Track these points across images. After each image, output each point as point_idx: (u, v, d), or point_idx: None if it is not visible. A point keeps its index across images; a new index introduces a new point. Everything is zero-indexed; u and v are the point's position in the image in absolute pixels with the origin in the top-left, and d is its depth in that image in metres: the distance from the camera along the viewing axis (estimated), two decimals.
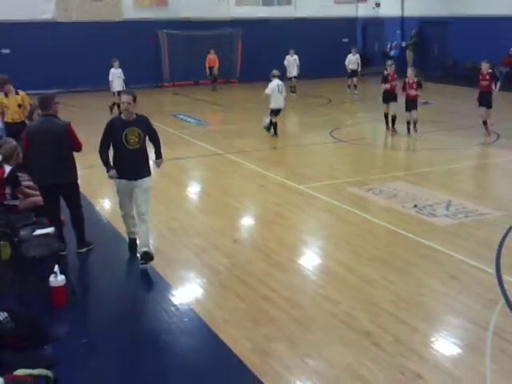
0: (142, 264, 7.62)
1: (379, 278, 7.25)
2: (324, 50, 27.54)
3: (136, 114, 7.50)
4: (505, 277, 7.10)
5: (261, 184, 11.65)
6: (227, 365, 5.59)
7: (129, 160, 7.48)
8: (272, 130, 15.49)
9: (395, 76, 15.79)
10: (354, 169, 12.86)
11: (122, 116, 7.53)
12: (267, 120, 15.60)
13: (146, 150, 7.64)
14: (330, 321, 6.26)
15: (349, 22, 30.10)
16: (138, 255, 7.72)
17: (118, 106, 18.08)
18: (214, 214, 9.85)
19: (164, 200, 10.45)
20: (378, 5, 32.02)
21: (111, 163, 7.56)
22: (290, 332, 6.04)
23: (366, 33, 33.45)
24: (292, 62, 22.91)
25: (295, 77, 23.00)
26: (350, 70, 23.70)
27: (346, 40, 29.67)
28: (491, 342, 5.76)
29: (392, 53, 31.13)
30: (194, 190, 11.86)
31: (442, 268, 7.53)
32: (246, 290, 6.99)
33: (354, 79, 23.55)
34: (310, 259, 8.12)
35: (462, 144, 14.45)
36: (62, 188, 7.81)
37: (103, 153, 7.52)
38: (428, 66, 29.07)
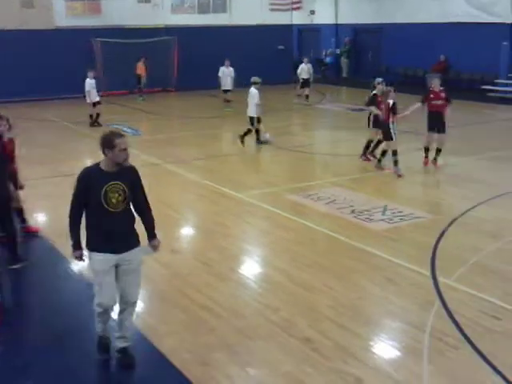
0: (125, 366, 5.70)
1: (318, 284, 7.31)
2: (260, 57, 27.66)
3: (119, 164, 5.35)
4: (440, 279, 7.28)
5: (200, 193, 11.59)
6: (167, 377, 5.52)
7: (111, 226, 5.36)
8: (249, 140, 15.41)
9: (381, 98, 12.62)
10: (293, 176, 12.97)
11: (102, 166, 5.33)
12: (266, 135, 15.49)
13: (131, 210, 5.57)
14: (270, 328, 6.26)
15: (284, 30, 30.33)
16: (116, 353, 5.79)
17: (93, 117, 18.42)
18: None
19: None
20: (312, 12, 32.53)
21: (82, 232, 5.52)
22: (231, 341, 6.02)
23: (301, 40, 33.88)
24: (227, 73, 21.32)
25: (230, 90, 21.33)
26: (301, 80, 23.19)
27: (281, 47, 29.92)
28: (428, 344, 5.88)
29: (327, 60, 31.67)
30: None
31: (380, 272, 7.66)
32: (185, 300, 6.92)
33: (306, 89, 23.04)
34: (250, 268, 8.12)
35: (398, 149, 14.71)
36: None
37: (74, 218, 5.44)
38: (362, 73, 29.72)
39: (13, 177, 8.22)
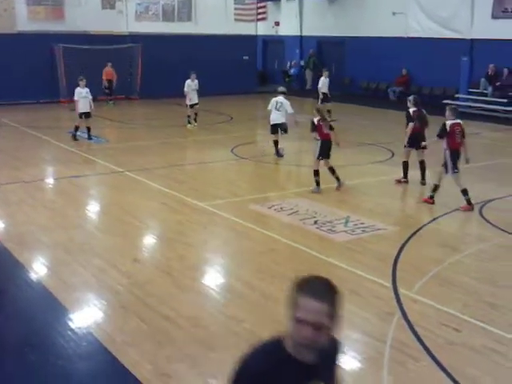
0: None
1: (281, 294, 7.27)
2: (224, 66, 27.68)
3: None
4: (401, 290, 7.34)
5: (162, 202, 11.49)
6: None
7: None
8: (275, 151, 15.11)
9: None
10: (256, 186, 12.98)
11: (291, 349, 2.68)
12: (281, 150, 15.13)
13: None
14: (233, 339, 6.22)
15: (249, 40, 30.45)
16: None
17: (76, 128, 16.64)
18: (113, 234, 9.61)
19: (60, 220, 10.09)
20: (277, 24, 32.71)
21: None
22: (192, 352, 5.96)
23: (266, 51, 34.04)
24: (193, 87, 19.36)
25: (197, 103, 19.52)
26: (322, 94, 21.62)
27: (246, 57, 30.01)
28: (389, 355, 5.91)
29: (292, 71, 31.87)
30: (92, 209, 11.51)
31: (342, 283, 7.56)
32: (146, 310, 6.83)
33: (328, 104, 21.03)
34: (212, 278, 8.06)
35: (360, 161, 14.91)
36: None
37: None
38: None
39: None
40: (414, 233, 9.47)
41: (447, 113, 11.02)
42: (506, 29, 22.24)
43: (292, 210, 10.64)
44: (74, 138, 16.86)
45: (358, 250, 8.80)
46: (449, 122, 10.79)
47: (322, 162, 11.82)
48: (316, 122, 11.65)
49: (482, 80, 23.32)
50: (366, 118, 22.08)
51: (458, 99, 23.78)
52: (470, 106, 23.24)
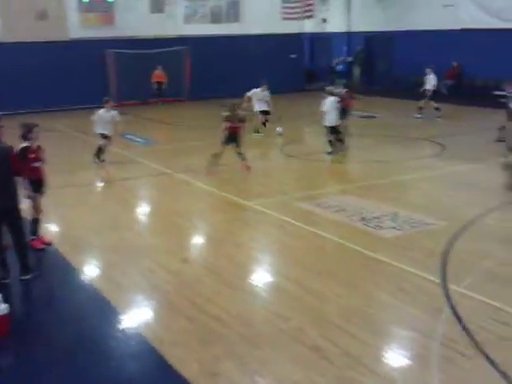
0: None
1: (328, 292, 7.27)
2: (273, 65, 27.66)
3: None
4: (450, 286, 7.21)
5: (210, 202, 11.58)
6: None
7: None
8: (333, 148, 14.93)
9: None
10: (302, 184, 12.94)
11: None
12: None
13: None
14: (279, 337, 6.23)
15: (296, 38, 30.37)
16: None
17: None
18: (162, 234, 9.74)
19: (111, 222, 10.29)
20: (324, 21, 32.49)
21: None
22: (239, 350, 5.99)
23: (313, 48, 33.86)
24: (260, 96, 18.23)
25: (268, 112, 18.38)
26: (428, 91, 20.61)
27: (293, 56, 29.94)
28: (438, 352, 5.82)
29: (339, 68, 31.61)
30: (141, 211, 11.69)
31: (390, 279, 7.60)
32: (194, 310, 6.90)
33: (431, 102, 20.43)
34: (259, 276, 8.09)
35: (407, 156, 14.70)
36: (5, 213, 7.62)
37: None
38: (373, 81, 29.63)
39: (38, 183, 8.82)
40: (464, 227, 9.28)
41: None
42: None
43: (339, 207, 10.57)
44: (99, 158, 14.65)
45: (406, 246, 8.68)
46: None
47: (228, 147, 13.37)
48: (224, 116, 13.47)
49: None
50: (413, 113, 21.74)
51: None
52: None
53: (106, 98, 15.12)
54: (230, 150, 13.40)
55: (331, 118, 14.71)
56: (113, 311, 7.03)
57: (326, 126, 14.87)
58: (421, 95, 20.64)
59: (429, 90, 20.55)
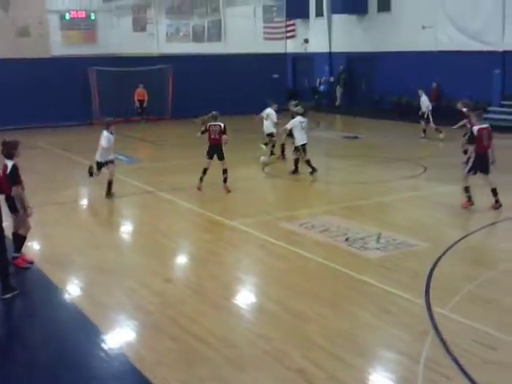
0: None
1: (312, 313, 7.26)
2: (255, 85, 27.75)
3: None
4: (434, 308, 7.23)
5: (193, 221, 11.55)
6: None
7: None
8: (309, 168, 14.61)
9: None
10: (286, 204, 12.98)
11: None
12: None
13: None
14: (263, 359, 6.20)
15: (278, 58, 30.56)
16: None
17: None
18: (145, 254, 9.69)
19: (93, 241, 10.22)
20: (306, 41, 32.81)
21: None
22: (224, 372, 5.95)
23: (295, 68, 34.12)
24: (275, 119, 17.28)
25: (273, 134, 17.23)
26: (422, 113, 20.49)
27: (275, 76, 30.11)
28: (423, 375, 5.82)
29: (321, 88, 31.87)
30: (124, 229, 11.62)
31: (374, 301, 7.61)
32: (178, 330, 6.85)
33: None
34: (243, 297, 8.06)
35: (390, 177, 14.80)
36: None
37: None
38: (356, 101, 29.93)
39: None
40: (447, 249, 9.33)
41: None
42: None
43: (323, 228, 10.59)
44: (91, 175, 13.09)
45: (391, 267, 8.71)
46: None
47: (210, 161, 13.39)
48: (205, 128, 13.55)
49: None
50: (397, 133, 21.95)
51: (490, 112, 23.48)
52: (504, 119, 22.91)
53: (109, 119, 13.26)
54: (214, 167, 13.38)
55: (302, 136, 14.84)
56: (95, 331, 6.96)
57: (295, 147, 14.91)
58: (420, 118, 20.66)
59: (424, 113, 20.59)
